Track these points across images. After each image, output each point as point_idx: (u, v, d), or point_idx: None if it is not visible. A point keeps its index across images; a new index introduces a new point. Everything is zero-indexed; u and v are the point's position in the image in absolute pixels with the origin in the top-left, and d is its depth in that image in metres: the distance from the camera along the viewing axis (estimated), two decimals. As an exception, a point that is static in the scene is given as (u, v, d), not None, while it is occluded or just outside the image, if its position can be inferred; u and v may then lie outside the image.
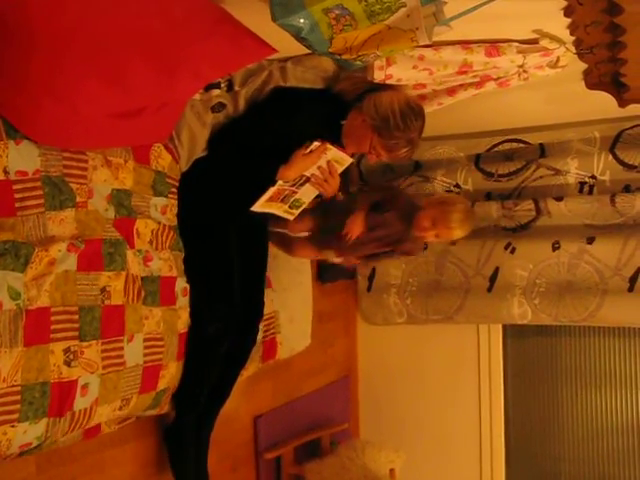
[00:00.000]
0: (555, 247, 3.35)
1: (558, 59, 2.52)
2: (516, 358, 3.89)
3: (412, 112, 2.44)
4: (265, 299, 2.76)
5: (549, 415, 3.81)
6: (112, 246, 2.06)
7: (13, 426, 1.75)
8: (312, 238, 2.83)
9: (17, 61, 1.73)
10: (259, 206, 2.45)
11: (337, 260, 2.81)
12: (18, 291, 1.76)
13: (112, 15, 1.76)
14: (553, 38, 2.43)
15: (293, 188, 2.50)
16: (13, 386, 1.74)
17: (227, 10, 1.93)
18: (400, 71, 2.53)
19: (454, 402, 3.90)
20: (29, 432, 1.80)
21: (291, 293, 3.01)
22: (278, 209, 2.56)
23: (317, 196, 2.64)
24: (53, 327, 1.85)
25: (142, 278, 2.18)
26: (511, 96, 2.97)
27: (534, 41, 2.45)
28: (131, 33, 1.78)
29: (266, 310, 2.78)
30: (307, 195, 2.59)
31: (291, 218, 2.65)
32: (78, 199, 1.97)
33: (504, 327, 3.85)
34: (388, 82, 2.54)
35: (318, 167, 2.48)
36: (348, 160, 2.54)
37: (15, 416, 1.75)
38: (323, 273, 3.61)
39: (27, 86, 1.75)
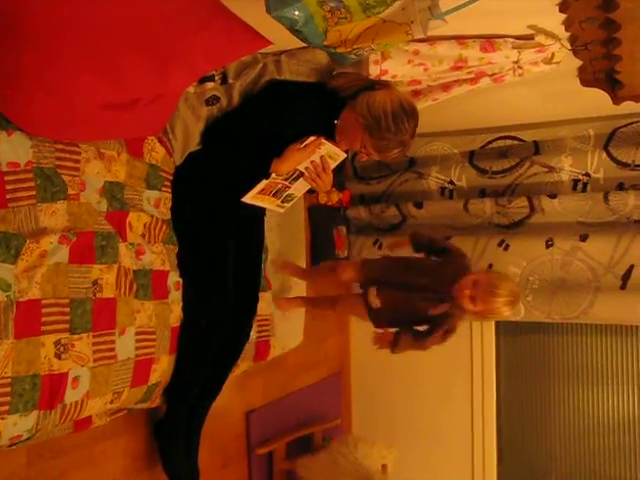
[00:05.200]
0: (548, 244, 3.35)
1: (553, 55, 2.52)
2: (509, 355, 3.89)
3: (404, 114, 2.40)
4: (263, 300, 2.77)
5: (541, 412, 3.82)
6: (104, 239, 2.04)
7: (3, 418, 1.74)
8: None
9: (10, 52, 1.71)
10: (250, 198, 2.45)
11: (376, 302, 2.65)
12: (9, 283, 1.75)
13: (106, 7, 1.74)
14: (548, 34, 2.43)
15: (286, 182, 2.49)
16: (3, 378, 1.73)
17: (221, 2, 1.92)
18: (395, 66, 2.53)
19: (447, 398, 3.91)
20: (19, 424, 1.79)
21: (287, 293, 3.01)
22: (270, 203, 2.56)
23: (309, 191, 2.64)
24: (44, 319, 1.84)
25: (134, 271, 2.17)
26: (506, 93, 2.97)
27: (529, 37, 2.46)
28: (125, 25, 1.77)
29: (263, 312, 2.79)
30: (299, 190, 2.59)
31: (281, 211, 2.66)
32: (70, 191, 1.96)
33: (497, 324, 3.85)
34: (383, 78, 2.54)
35: (311, 162, 2.47)
36: (342, 155, 2.53)
37: (5, 408, 1.74)
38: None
39: (20, 78, 1.73)
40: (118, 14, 1.76)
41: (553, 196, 3.31)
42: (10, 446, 1.84)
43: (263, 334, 2.84)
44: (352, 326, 4.15)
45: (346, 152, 2.57)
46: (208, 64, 1.97)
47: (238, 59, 2.38)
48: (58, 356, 1.87)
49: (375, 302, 2.66)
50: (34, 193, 1.86)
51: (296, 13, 1.94)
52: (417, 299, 2.56)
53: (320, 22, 2.00)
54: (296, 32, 2.05)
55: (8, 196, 1.81)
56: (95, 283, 2.00)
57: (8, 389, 1.74)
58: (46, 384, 1.84)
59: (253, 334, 2.73)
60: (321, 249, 3.66)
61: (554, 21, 2.31)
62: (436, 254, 2.68)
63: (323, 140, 2.42)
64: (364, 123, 2.41)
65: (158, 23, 1.80)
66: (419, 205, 3.59)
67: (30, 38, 1.69)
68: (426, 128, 3.47)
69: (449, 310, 2.51)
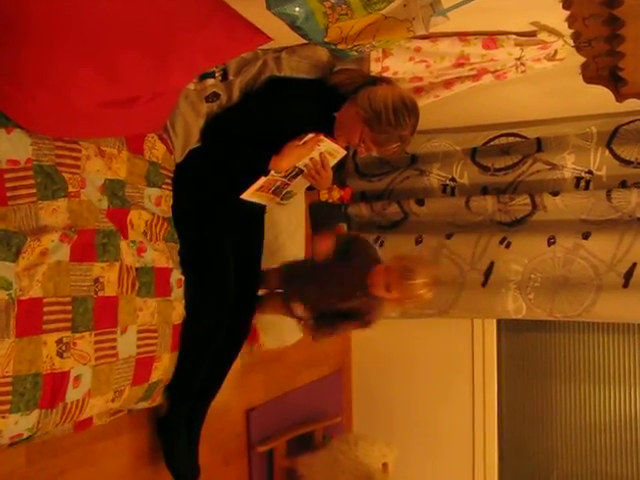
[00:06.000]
0: (551, 242, 3.34)
1: (556, 52, 2.51)
2: (510, 353, 3.88)
3: (405, 109, 2.41)
4: None
5: (542, 410, 3.81)
6: (105, 237, 2.04)
7: (4, 417, 1.73)
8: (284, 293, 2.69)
9: (9, 50, 1.70)
10: (249, 194, 2.44)
11: (301, 314, 2.60)
12: (10, 281, 1.74)
13: (105, 5, 1.74)
14: (551, 31, 2.42)
15: (285, 180, 2.49)
16: (4, 377, 1.72)
17: (222, -2, 1.92)
18: (397, 63, 2.52)
19: (448, 396, 3.90)
20: (20, 423, 1.78)
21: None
22: (269, 200, 2.56)
23: (309, 188, 2.63)
24: (45, 318, 1.83)
25: (137, 269, 2.17)
26: (508, 90, 2.96)
27: (532, 34, 2.45)
28: (125, 22, 1.76)
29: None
30: (299, 187, 2.59)
31: (280, 208, 2.65)
32: (71, 189, 1.96)
33: (498, 322, 3.84)
34: (385, 75, 2.53)
35: (311, 159, 2.47)
36: (342, 152, 2.53)
37: (6, 407, 1.73)
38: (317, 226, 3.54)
39: (20, 75, 1.73)
40: (118, 12, 1.75)
41: (555, 194, 3.30)
42: (10, 445, 1.84)
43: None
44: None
45: (346, 149, 2.56)
46: (208, 61, 1.97)
47: (238, 56, 2.38)
48: (60, 355, 1.87)
49: (301, 314, 2.61)
50: (34, 191, 1.85)
51: (297, 9, 1.92)
52: (337, 301, 2.49)
53: (321, 18, 1.98)
54: (296, 28, 2.04)
55: (8, 194, 1.80)
56: (97, 281, 2.00)
57: (9, 388, 1.74)
58: (48, 383, 1.83)
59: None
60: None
61: (557, 18, 2.29)
62: (343, 247, 2.58)
63: (322, 137, 2.41)
64: (364, 116, 2.41)
65: (158, 20, 1.79)
66: (421, 202, 3.59)
67: (30, 36, 1.69)
68: (428, 125, 3.46)
69: (366, 303, 2.45)
